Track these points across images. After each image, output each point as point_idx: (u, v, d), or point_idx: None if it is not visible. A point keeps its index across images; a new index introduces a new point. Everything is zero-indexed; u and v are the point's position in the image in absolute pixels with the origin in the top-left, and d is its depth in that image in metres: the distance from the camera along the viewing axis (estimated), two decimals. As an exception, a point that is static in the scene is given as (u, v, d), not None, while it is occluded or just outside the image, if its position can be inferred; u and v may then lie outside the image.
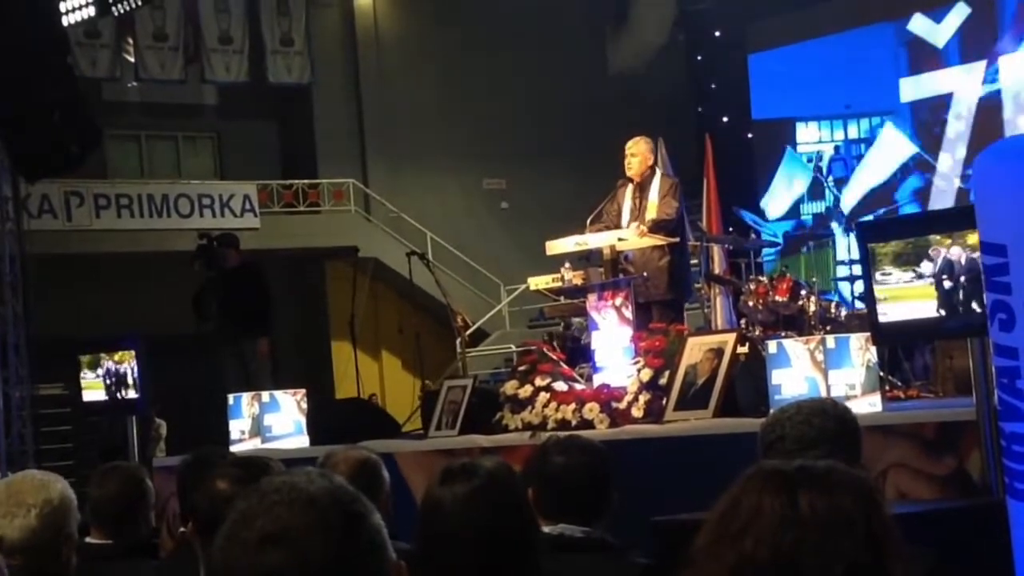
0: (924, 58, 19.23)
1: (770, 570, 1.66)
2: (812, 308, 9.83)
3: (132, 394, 9.42)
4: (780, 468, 1.76)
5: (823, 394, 6.35)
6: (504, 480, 2.88)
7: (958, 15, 18.80)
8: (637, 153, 9.66)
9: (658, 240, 9.27)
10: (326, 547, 1.71)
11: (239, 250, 12.49)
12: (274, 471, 3.21)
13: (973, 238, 5.29)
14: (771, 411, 6.45)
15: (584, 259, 10.43)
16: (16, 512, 3.61)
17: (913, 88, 19.37)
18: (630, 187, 9.65)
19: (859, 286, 11.62)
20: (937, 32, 19.05)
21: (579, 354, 9.54)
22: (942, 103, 18.98)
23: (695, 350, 7.62)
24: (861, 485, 1.75)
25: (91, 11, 15.25)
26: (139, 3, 15.91)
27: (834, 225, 19.05)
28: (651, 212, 9.42)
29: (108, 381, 9.56)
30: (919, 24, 19.22)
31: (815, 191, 20.50)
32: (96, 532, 4.50)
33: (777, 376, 6.77)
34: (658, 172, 9.75)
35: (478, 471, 2.86)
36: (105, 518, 4.51)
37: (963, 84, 18.75)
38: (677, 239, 9.43)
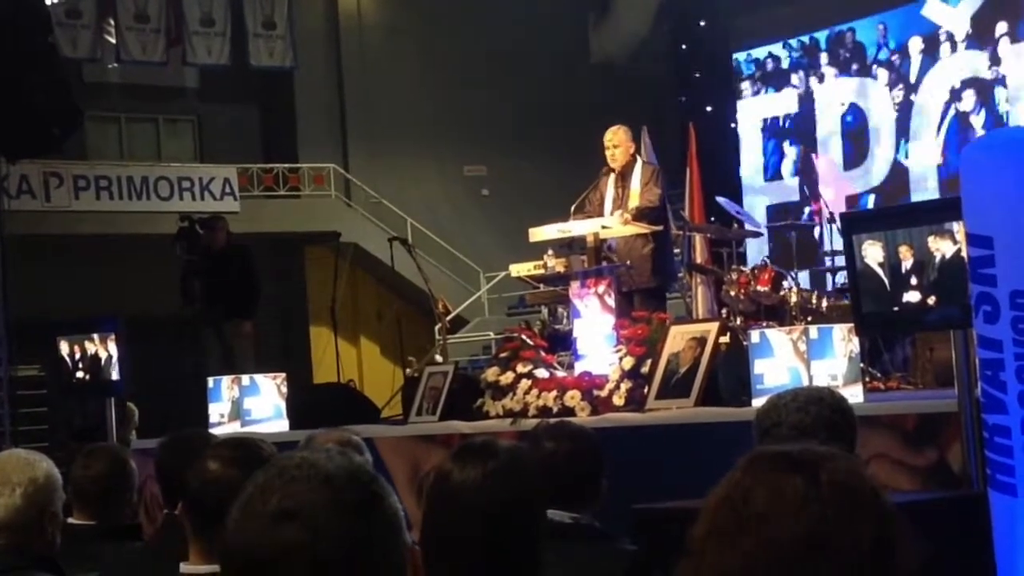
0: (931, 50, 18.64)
1: (790, 552, 1.64)
2: (794, 299, 9.84)
3: (111, 376, 9.37)
4: (784, 450, 1.75)
5: (805, 384, 6.34)
6: (522, 464, 2.83)
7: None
8: (619, 144, 9.63)
9: (642, 228, 9.27)
10: (341, 525, 1.72)
11: (228, 232, 12.41)
12: (266, 452, 3.21)
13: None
14: (753, 400, 6.52)
15: (567, 247, 10.43)
16: (1, 491, 3.60)
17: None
18: (612, 176, 9.63)
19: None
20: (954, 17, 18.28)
21: (559, 342, 9.53)
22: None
23: (677, 339, 7.61)
24: (863, 469, 1.74)
25: (75, -10, 15.19)
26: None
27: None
28: (634, 200, 9.41)
29: (87, 363, 9.51)
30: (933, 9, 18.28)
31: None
32: (79, 513, 4.48)
33: (760, 366, 6.77)
34: (639, 160, 9.76)
35: (497, 452, 2.81)
36: (89, 499, 4.49)
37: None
38: (661, 227, 9.43)
